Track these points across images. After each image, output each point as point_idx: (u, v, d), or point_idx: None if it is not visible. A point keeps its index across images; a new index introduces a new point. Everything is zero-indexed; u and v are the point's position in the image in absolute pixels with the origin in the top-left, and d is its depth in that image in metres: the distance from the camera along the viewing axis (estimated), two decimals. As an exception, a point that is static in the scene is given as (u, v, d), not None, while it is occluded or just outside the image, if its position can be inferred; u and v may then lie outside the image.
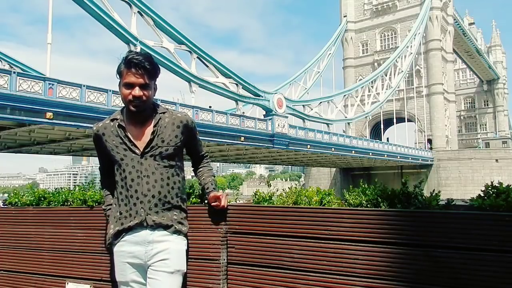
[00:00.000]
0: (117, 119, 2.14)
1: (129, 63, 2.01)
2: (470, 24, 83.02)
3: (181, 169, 2.24)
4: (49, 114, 17.90)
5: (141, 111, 2.08)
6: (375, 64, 61.68)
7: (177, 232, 2.11)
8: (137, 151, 2.09)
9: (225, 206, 2.27)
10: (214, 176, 2.40)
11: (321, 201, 2.39)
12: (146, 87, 2.04)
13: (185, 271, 2.11)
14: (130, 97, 2.03)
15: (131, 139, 2.10)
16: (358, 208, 2.16)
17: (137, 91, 2.02)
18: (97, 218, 2.71)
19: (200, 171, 2.39)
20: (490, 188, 1.91)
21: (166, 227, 2.08)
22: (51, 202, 3.15)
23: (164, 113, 2.16)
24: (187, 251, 2.17)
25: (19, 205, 3.26)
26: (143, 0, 24.56)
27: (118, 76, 2.08)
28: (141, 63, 2.00)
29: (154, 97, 2.14)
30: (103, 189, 2.37)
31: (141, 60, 2.01)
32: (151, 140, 2.09)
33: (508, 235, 1.65)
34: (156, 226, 2.06)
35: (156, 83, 2.15)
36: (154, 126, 2.11)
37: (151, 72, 2.05)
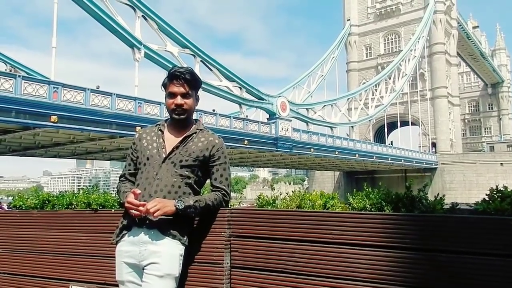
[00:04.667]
0: (159, 125, 2.33)
1: (171, 76, 2.21)
2: (474, 27, 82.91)
3: (197, 186, 2.25)
4: (53, 118, 17.99)
5: (183, 119, 2.24)
6: (379, 67, 61.63)
7: (172, 235, 2.10)
8: (163, 154, 2.21)
9: (149, 211, 2.00)
10: (214, 205, 2.21)
11: (324, 205, 2.39)
12: (187, 96, 2.22)
13: (177, 275, 2.10)
14: (173, 106, 2.21)
15: (164, 143, 2.24)
16: (362, 212, 2.16)
17: (179, 100, 2.20)
18: (101, 222, 2.72)
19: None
20: (495, 192, 1.90)
21: (161, 229, 2.09)
22: (56, 205, 3.17)
23: (201, 130, 2.30)
24: (186, 255, 2.17)
25: (23, 208, 3.28)
26: (147, 4, 24.71)
27: (163, 89, 2.27)
28: (181, 74, 2.19)
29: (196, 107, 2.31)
30: (121, 192, 2.24)
31: (182, 72, 2.20)
32: (176, 147, 2.21)
33: (513, 240, 1.64)
34: (152, 227, 2.08)
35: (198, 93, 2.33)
36: (186, 136, 2.24)
37: (191, 83, 2.22)
